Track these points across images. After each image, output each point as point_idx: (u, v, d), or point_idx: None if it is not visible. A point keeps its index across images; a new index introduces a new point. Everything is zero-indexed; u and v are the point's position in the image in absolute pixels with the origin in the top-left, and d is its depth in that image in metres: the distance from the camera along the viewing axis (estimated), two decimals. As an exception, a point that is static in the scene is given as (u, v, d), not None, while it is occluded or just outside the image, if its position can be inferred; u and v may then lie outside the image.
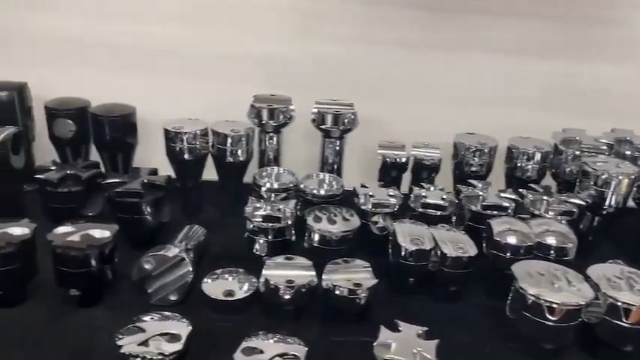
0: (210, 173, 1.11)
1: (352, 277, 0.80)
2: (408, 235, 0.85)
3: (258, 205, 0.91)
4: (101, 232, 0.77)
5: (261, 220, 0.89)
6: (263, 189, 1.00)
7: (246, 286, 0.84)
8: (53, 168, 0.96)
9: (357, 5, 1.18)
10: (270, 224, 0.89)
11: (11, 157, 0.95)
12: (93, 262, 0.75)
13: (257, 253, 0.91)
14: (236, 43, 1.18)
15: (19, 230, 0.76)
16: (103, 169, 1.05)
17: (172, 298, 0.81)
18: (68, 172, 0.94)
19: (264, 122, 1.07)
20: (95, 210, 0.98)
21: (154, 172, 1.01)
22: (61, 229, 0.78)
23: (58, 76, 1.15)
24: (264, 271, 0.80)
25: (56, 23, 1.15)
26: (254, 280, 0.85)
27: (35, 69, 1.13)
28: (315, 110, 1.07)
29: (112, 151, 1.09)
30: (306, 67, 1.20)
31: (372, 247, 0.94)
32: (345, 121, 1.07)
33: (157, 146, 1.06)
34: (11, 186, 0.97)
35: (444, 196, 0.98)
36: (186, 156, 1.04)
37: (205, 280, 0.85)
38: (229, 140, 1.03)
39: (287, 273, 0.80)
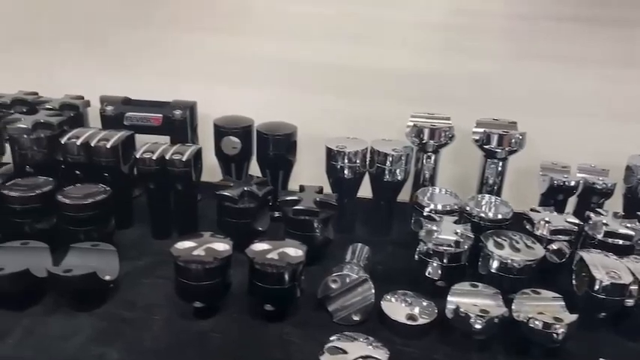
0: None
1: (545, 309, 0.77)
2: (602, 267, 0.80)
3: (434, 227, 0.90)
4: (295, 251, 0.80)
5: (437, 243, 0.88)
6: (426, 210, 1.00)
7: (425, 310, 0.84)
8: (231, 184, 1.01)
9: (512, 20, 1.14)
10: (446, 248, 0.87)
11: (193, 174, 1.01)
12: (288, 279, 0.78)
13: (429, 276, 0.90)
14: (391, 59, 1.18)
15: (221, 246, 0.80)
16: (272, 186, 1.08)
17: (355, 318, 0.82)
18: (245, 188, 0.99)
19: (424, 142, 1.06)
20: (264, 225, 1.02)
21: (320, 190, 1.03)
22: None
23: (219, 93, 1.22)
24: (451, 298, 0.79)
25: (223, 44, 1.22)
26: (428, 303, 0.84)
27: (200, 87, 1.21)
28: (481, 130, 1.05)
29: (274, 167, 1.13)
30: (460, 83, 1.18)
31: (542, 274, 0.90)
32: (512, 141, 1.04)
33: (301, 161, 1.13)
34: (193, 200, 1.04)
35: (628, 225, 0.91)
36: (346, 173, 1.06)
37: (382, 301, 0.85)
38: (389, 159, 1.04)
39: (476, 301, 0.78)
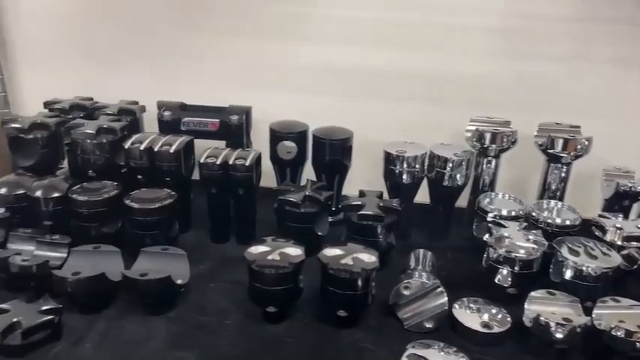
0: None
1: (626, 317, 0.75)
2: (684, 276, 0.78)
3: (505, 234, 0.88)
4: (368, 257, 0.79)
5: (509, 249, 0.86)
6: (489, 215, 0.98)
7: (497, 318, 0.83)
8: (292, 189, 1.01)
9: (572, 23, 1.12)
10: (518, 255, 0.86)
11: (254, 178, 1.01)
12: (362, 285, 0.77)
13: (499, 283, 0.88)
14: (447, 64, 1.17)
15: (293, 251, 0.80)
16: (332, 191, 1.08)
17: (428, 325, 0.81)
18: (307, 193, 0.99)
19: (486, 146, 1.05)
20: (324, 230, 1.01)
21: (380, 195, 1.02)
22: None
23: (271, 99, 1.22)
24: (529, 306, 0.78)
25: (275, 50, 1.23)
26: (498, 310, 0.83)
27: (252, 92, 1.22)
28: (545, 135, 1.03)
29: (330, 172, 1.12)
30: (517, 87, 1.16)
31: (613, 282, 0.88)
32: (578, 147, 1.02)
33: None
34: (252, 205, 1.04)
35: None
36: (404, 178, 1.05)
37: (454, 308, 0.84)
38: (450, 164, 1.03)
39: (555, 309, 0.77)
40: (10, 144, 1.05)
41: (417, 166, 1.04)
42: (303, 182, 1.11)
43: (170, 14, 1.26)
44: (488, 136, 1.04)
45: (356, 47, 1.20)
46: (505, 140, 1.04)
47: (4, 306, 0.75)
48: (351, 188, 1.14)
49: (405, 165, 1.04)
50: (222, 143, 1.13)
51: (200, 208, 1.08)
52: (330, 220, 1.07)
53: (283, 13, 1.20)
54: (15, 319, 0.72)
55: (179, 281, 0.83)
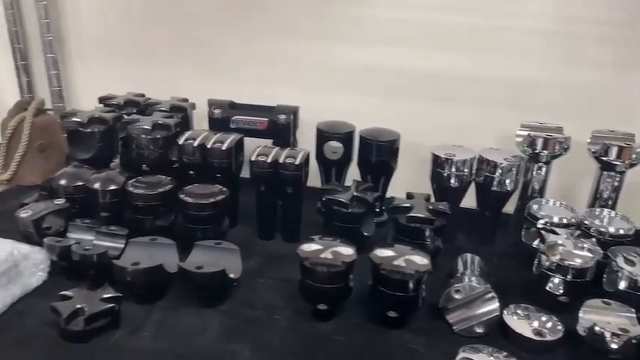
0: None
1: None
2: None
3: (558, 241, 0.87)
4: (420, 259, 0.79)
5: (563, 257, 0.85)
6: (540, 222, 0.97)
7: (547, 325, 0.82)
8: (339, 189, 1.02)
9: (626, 28, 1.10)
10: (572, 263, 0.85)
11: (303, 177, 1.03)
12: (413, 287, 0.78)
13: (550, 290, 0.87)
14: (496, 67, 1.17)
15: (345, 250, 0.81)
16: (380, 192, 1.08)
17: (478, 330, 0.81)
18: (355, 193, 0.99)
19: (537, 152, 1.04)
20: (370, 231, 1.02)
21: (428, 197, 1.02)
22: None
23: (317, 99, 1.24)
24: (584, 315, 0.77)
25: (324, 51, 1.24)
26: (548, 318, 0.82)
27: (300, 92, 1.23)
28: (599, 142, 1.01)
29: (376, 173, 1.13)
30: (568, 93, 1.15)
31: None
32: (633, 156, 1.00)
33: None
34: (299, 203, 1.05)
35: None
36: (452, 182, 1.05)
37: (504, 314, 0.83)
38: (499, 169, 1.02)
39: (610, 319, 0.76)
40: (68, 137, 1.08)
41: (466, 169, 1.04)
42: (347, 182, 1.12)
43: (222, 15, 1.29)
44: (540, 141, 1.03)
45: (405, 49, 1.20)
46: (558, 147, 1.03)
47: (67, 293, 0.78)
48: (391, 190, 1.15)
49: (453, 168, 1.03)
50: (268, 141, 1.15)
51: (245, 204, 1.10)
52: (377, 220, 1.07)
53: (333, 15, 1.21)
54: (78, 306, 0.75)
55: (232, 275, 0.85)
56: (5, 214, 1.11)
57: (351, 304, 0.85)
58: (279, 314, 0.85)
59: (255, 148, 1.04)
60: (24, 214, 0.91)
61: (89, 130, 1.07)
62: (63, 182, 0.99)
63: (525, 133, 1.04)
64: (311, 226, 1.07)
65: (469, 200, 1.10)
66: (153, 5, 1.32)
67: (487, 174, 1.03)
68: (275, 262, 1.00)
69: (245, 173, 1.07)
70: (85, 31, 1.37)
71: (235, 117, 1.17)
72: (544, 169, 1.06)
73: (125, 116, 1.14)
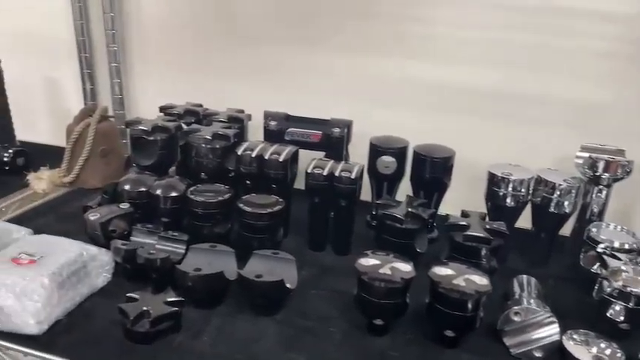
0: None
1: None
2: None
3: (622, 267, 0.85)
4: (480, 279, 0.79)
5: (625, 284, 0.83)
6: (600, 246, 0.95)
7: (606, 352, 0.79)
8: (393, 204, 1.02)
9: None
10: (635, 290, 0.82)
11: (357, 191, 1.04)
12: (472, 307, 0.77)
13: (611, 317, 0.85)
14: (555, 87, 1.15)
15: (403, 266, 0.81)
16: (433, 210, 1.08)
17: (537, 354, 0.80)
18: (409, 209, 1.00)
19: (598, 174, 1.02)
20: (422, 247, 1.02)
21: (484, 216, 1.02)
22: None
23: (372, 113, 1.25)
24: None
25: (378, 65, 1.26)
26: (607, 344, 0.80)
27: (356, 106, 1.25)
28: (665, 166, 0.99)
29: (429, 189, 1.13)
30: (629, 115, 1.12)
31: None
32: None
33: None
34: (352, 216, 1.06)
35: None
36: (508, 201, 1.04)
37: (564, 340, 0.81)
38: (558, 190, 1.00)
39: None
40: (132, 144, 1.13)
41: (523, 190, 1.03)
42: (398, 197, 1.12)
43: (279, 29, 1.32)
44: (601, 164, 1.01)
45: (463, 66, 1.20)
46: (620, 170, 1.01)
47: (133, 295, 0.81)
48: (442, 206, 1.14)
49: (509, 188, 1.02)
50: (321, 154, 1.17)
51: (296, 215, 1.11)
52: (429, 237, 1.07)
53: (391, 31, 1.23)
54: (144, 308, 0.78)
55: (288, 285, 0.86)
56: (69, 215, 1.17)
57: (406, 320, 0.85)
58: (334, 326, 0.86)
59: (311, 160, 1.06)
60: (92, 216, 0.95)
61: (152, 138, 1.11)
62: (127, 187, 1.03)
63: (586, 155, 1.02)
64: (360, 239, 1.09)
65: (523, 220, 1.09)
66: (212, 19, 1.37)
67: (545, 195, 1.02)
68: (326, 273, 1.01)
69: (297, 184, 1.09)
70: (146, 42, 1.43)
71: (290, 129, 1.19)
72: (604, 192, 1.04)
73: (184, 125, 1.18)
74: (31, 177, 1.28)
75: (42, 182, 1.27)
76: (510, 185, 1.02)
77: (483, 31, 1.17)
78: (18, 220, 1.07)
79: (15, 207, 1.20)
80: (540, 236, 1.06)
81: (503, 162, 1.08)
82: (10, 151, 1.35)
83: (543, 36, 1.13)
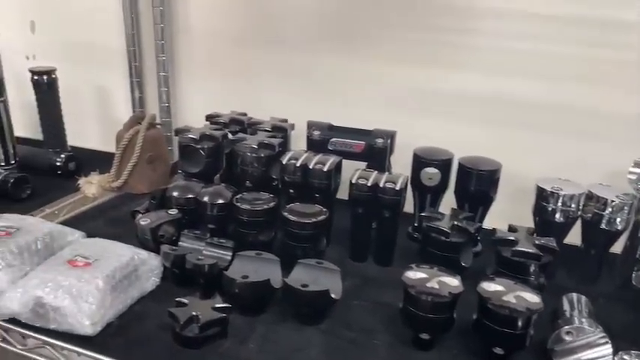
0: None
1: None
2: None
3: (681, 289, 0.82)
4: (531, 296, 0.77)
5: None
6: (656, 266, 0.92)
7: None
8: (438, 217, 1.01)
9: None
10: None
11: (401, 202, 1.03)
12: (523, 325, 0.76)
13: (667, 340, 0.82)
14: (604, 100, 1.13)
15: (451, 280, 0.81)
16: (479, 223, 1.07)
17: (589, 375, 0.77)
18: (455, 222, 0.99)
19: (652, 191, 0.99)
20: (468, 262, 1.00)
21: (532, 232, 1.00)
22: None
23: (416, 124, 1.25)
24: None
25: (422, 77, 1.25)
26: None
27: (400, 117, 1.25)
28: None
29: (473, 202, 1.11)
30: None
31: None
32: None
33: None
34: (395, 228, 1.06)
35: None
36: (557, 217, 1.01)
37: (616, 361, 0.79)
38: (610, 207, 0.97)
39: None
40: (180, 151, 1.16)
41: (573, 205, 1.00)
42: (441, 210, 1.11)
43: (322, 40, 1.33)
44: (656, 180, 0.97)
45: (509, 78, 1.19)
46: (676, 187, 0.97)
47: (183, 299, 0.83)
48: (486, 220, 1.12)
49: (559, 203, 1.00)
50: (363, 164, 1.17)
51: (337, 225, 1.11)
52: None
53: (436, 42, 1.22)
54: (194, 313, 0.80)
55: (333, 295, 0.86)
56: (117, 219, 1.20)
57: (451, 335, 0.84)
58: (378, 338, 0.85)
59: (354, 170, 1.06)
60: (143, 221, 0.98)
61: (200, 146, 1.13)
62: (175, 194, 1.06)
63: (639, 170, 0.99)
64: (401, 251, 1.08)
65: (572, 237, 1.06)
66: (257, 31, 1.39)
67: (596, 211, 0.99)
68: (369, 284, 1.01)
69: (340, 194, 1.10)
70: (194, 53, 1.47)
71: (333, 139, 1.20)
72: (659, 210, 1.00)
73: (229, 134, 1.20)
74: (82, 181, 1.33)
75: (92, 186, 1.31)
76: (560, 200, 1.00)
77: (530, 42, 1.15)
78: (69, 223, 1.11)
79: (66, 210, 1.25)
80: (590, 253, 1.03)
81: (551, 176, 1.06)
82: (62, 155, 1.41)
83: (593, 48, 1.11)
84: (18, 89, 1.60)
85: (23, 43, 1.63)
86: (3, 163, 1.37)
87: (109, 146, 1.38)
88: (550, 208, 1.01)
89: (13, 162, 1.39)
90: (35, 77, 1.39)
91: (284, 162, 1.07)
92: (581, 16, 1.11)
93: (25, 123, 1.58)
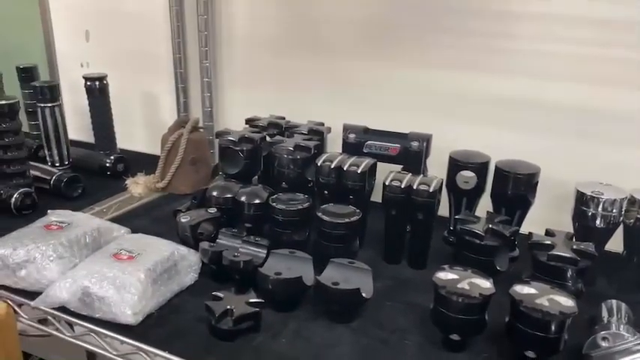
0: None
1: None
2: None
3: None
4: (566, 300, 0.76)
5: None
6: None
7: None
8: (473, 220, 1.01)
9: None
10: None
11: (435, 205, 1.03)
12: (556, 329, 0.74)
13: None
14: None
15: (483, 282, 0.80)
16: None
17: (627, 384, 0.75)
18: (490, 225, 0.98)
19: (700, 196, 0.94)
20: (503, 266, 0.99)
21: (571, 236, 0.97)
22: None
23: (452, 128, 1.24)
24: None
25: (458, 80, 1.25)
26: None
27: (435, 120, 1.25)
28: None
29: (511, 206, 1.10)
30: None
31: None
32: None
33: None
34: (429, 230, 1.06)
35: None
36: (597, 222, 0.99)
37: (659, 371, 0.76)
38: (654, 212, 0.94)
39: None
40: (220, 153, 1.20)
41: (614, 210, 0.97)
42: (477, 214, 1.10)
43: (358, 44, 1.35)
44: None
45: (548, 82, 1.16)
46: None
47: (218, 294, 0.87)
48: (524, 225, 1.10)
49: (599, 208, 0.97)
50: (399, 167, 1.17)
51: (371, 227, 1.13)
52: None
53: (473, 45, 1.22)
54: (228, 307, 0.83)
55: (364, 294, 0.87)
56: (161, 217, 1.26)
57: (483, 337, 0.84)
58: (409, 339, 0.86)
59: (389, 172, 1.07)
60: (183, 219, 1.03)
61: (239, 148, 1.17)
62: (215, 193, 1.10)
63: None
64: (436, 254, 1.08)
65: (614, 243, 1.03)
66: (295, 38, 1.42)
67: (639, 216, 0.96)
68: (402, 286, 1.02)
69: (374, 197, 1.11)
70: (235, 59, 1.52)
71: (369, 142, 1.21)
72: None
73: (268, 137, 1.24)
74: (129, 182, 1.40)
75: (138, 187, 1.38)
76: (601, 205, 0.97)
77: (569, 46, 1.12)
78: (117, 220, 1.17)
79: (114, 208, 1.31)
80: (632, 260, 1.00)
81: (591, 180, 1.03)
82: (112, 157, 1.49)
83: (633, 51, 1.07)
84: (72, 95, 1.70)
85: (78, 51, 1.74)
86: (58, 164, 1.47)
87: (155, 149, 1.45)
88: (590, 213, 0.98)
89: (67, 163, 1.48)
90: (88, 83, 1.48)
91: (319, 164, 1.10)
92: (618, 19, 1.07)
93: (78, 126, 1.68)
